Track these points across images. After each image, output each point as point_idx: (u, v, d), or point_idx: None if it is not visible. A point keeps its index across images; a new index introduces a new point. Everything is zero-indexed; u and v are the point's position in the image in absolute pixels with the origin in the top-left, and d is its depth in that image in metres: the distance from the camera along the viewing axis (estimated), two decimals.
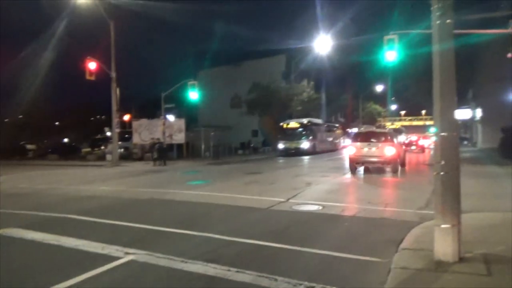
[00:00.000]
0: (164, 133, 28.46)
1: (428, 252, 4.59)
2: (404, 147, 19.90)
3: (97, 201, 10.02)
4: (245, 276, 4.31)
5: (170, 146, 30.29)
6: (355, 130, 49.40)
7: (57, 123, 44.02)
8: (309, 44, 34.25)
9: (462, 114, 40.11)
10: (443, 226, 4.36)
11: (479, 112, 35.85)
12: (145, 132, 29.38)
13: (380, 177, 15.02)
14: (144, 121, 30.41)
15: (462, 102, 40.82)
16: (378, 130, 18.20)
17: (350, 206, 8.34)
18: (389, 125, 65.54)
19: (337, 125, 44.52)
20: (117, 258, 5.01)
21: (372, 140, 15.54)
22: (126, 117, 33.92)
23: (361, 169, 16.74)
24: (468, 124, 47.30)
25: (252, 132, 43.42)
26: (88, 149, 38.92)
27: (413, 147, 32.97)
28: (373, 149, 15.15)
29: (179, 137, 29.37)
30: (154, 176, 16.93)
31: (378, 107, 66.92)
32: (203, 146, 31.59)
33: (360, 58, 47.91)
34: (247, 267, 4.57)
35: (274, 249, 5.36)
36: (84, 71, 22.00)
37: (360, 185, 12.81)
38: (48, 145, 40.21)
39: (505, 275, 4.01)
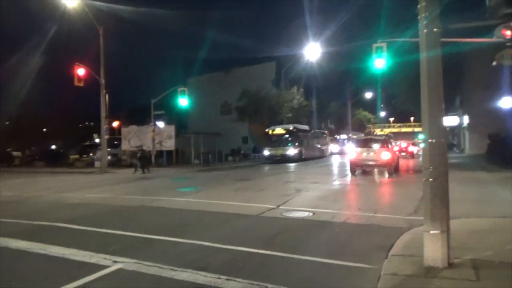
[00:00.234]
0: (153, 139, 28.30)
1: (418, 258, 4.61)
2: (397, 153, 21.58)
3: (85, 208, 9.88)
4: (236, 284, 4.28)
5: (160, 152, 30.13)
6: (343, 136, 49.93)
7: (44, 129, 43.39)
8: (299, 51, 34.66)
9: (450, 121, 40.70)
10: (432, 232, 4.38)
11: (466, 119, 36.39)
12: (135, 138, 29.19)
13: (370, 183, 15.17)
14: (133, 127, 30.21)
15: (449, 109, 41.45)
16: (376, 137, 21.34)
17: (340, 213, 8.36)
18: (378, 132, 66.36)
19: (324, 131, 44.33)
20: (105, 266, 4.93)
21: (370, 146, 17.43)
22: (115, 124, 33.67)
23: (351, 176, 17.10)
24: (456, 131, 47.97)
25: (242, 138, 43.44)
26: (76, 156, 38.45)
27: (403, 153, 33.32)
28: (371, 154, 17.01)
29: (169, 144, 29.21)
30: (144, 183, 16.78)
31: (367, 114, 67.61)
32: (193, 153, 31.45)
33: (350, 65, 48.50)
34: (238, 274, 4.53)
35: (265, 256, 5.33)
36: (72, 77, 21.82)
37: (350, 191, 12.87)
38: (35, 152, 39.63)
39: (493, 280, 4.05)
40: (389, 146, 17.79)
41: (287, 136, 31.79)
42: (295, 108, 37.84)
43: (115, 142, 30.98)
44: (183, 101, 27.32)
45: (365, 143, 18.03)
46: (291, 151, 30.98)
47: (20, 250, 5.85)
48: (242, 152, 38.67)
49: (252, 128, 41.05)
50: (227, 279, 4.39)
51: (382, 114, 79.52)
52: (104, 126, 24.51)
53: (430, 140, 4.53)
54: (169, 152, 30.82)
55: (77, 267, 4.97)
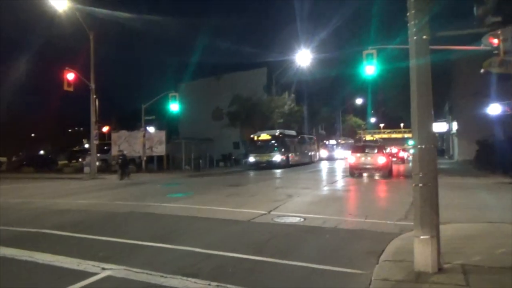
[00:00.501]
0: (144, 145, 28.12)
1: (408, 263, 4.62)
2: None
3: (73, 215, 9.74)
4: None
5: (151, 158, 29.94)
6: (332, 142, 50.09)
7: (33, 134, 42.88)
8: (291, 57, 34.83)
9: (439, 127, 41.18)
10: (422, 237, 4.41)
11: (455, 125, 36.86)
12: (125, 144, 28.95)
13: (360, 188, 15.27)
14: (123, 133, 29.99)
15: (439, 115, 41.98)
16: (372, 143, 23.72)
17: (331, 218, 8.36)
18: (368, 137, 67.02)
19: (312, 136, 43.76)
20: (94, 274, 4.85)
21: (368, 151, 19.57)
22: (105, 129, 33.40)
23: (341, 182, 17.24)
24: (445, 137, 48.52)
25: (234, 144, 43.33)
26: (65, 162, 38.05)
27: (394, 159, 33.72)
28: (369, 158, 19.10)
29: (160, 149, 29.05)
30: (134, 189, 16.63)
31: (358, 120, 68.17)
32: (184, 158, 31.29)
33: (340, 72, 48.94)
34: (228, 281, 4.50)
35: (255, 262, 5.30)
36: (62, 82, 21.63)
37: (341, 196, 12.90)
38: (23, 157, 39.09)
39: (483, 285, 4.07)
40: (384, 151, 19.95)
41: (273, 141, 30.97)
42: (286, 114, 37.96)
43: (105, 148, 30.70)
44: (174, 107, 27.23)
45: (363, 149, 20.23)
46: (277, 157, 30.15)
47: (6, 257, 5.73)
48: (233, 157, 38.61)
49: (243, 134, 40.99)
50: (217, 286, 4.35)
51: (373, 120, 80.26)
52: (93, 131, 24.29)
53: (419, 146, 4.58)
54: (159, 158, 30.64)
55: (64, 275, 4.88)
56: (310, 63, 35.17)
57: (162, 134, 29.49)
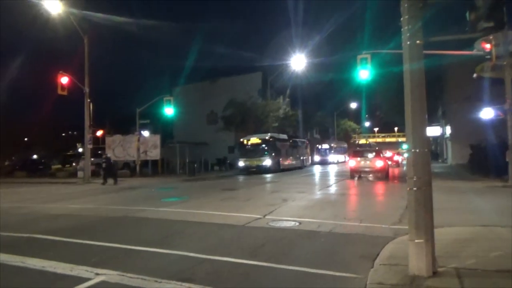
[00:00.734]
0: (138, 149, 28.01)
1: (403, 267, 4.63)
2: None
3: (66, 219, 9.66)
4: None
5: (145, 162, 29.80)
6: (325, 146, 49.94)
7: (26, 138, 42.55)
8: (285, 61, 34.94)
9: (433, 131, 41.47)
10: (417, 240, 4.42)
11: (448, 130, 37.12)
12: (119, 148, 28.84)
13: (355, 192, 15.32)
14: (118, 137, 29.86)
15: (432, 119, 42.27)
16: (370, 148, 25.97)
17: (326, 222, 8.36)
18: (361, 141, 67.47)
19: (304, 140, 42.87)
20: (87, 279, 4.80)
21: (367, 155, 21.29)
22: (99, 133, 33.21)
23: (336, 186, 17.28)
24: (438, 141, 48.85)
25: (229, 148, 43.32)
26: (59, 166, 37.74)
27: (389, 162, 33.94)
28: (368, 162, 20.77)
29: (154, 153, 28.95)
30: (128, 193, 16.54)
31: (352, 124, 68.46)
32: (178, 163, 31.19)
33: (335, 76, 49.26)
34: (223, 285, 4.48)
35: (251, 267, 5.28)
36: (56, 86, 21.51)
37: (335, 200, 12.91)
38: (16, 162, 38.75)
39: None
40: (381, 156, 21.79)
41: (263, 145, 30.25)
42: (281, 118, 38.02)
43: (99, 152, 30.52)
44: (169, 111, 27.19)
45: (362, 154, 21.91)
46: (267, 161, 29.42)
47: None
48: (228, 161, 38.56)
49: (238, 138, 40.95)
50: None
51: (367, 124, 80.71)
52: (88, 136, 24.15)
53: (413, 150, 4.60)
54: (154, 162, 30.53)
55: (57, 280, 4.84)
56: (305, 68, 35.31)
57: (157, 138, 29.40)
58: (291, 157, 34.96)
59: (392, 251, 5.58)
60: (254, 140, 30.92)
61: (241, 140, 31.79)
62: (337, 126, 61.87)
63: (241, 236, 7.39)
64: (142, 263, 5.54)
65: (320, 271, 4.98)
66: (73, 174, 28.08)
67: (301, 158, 38.15)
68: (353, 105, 65.60)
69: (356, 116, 71.93)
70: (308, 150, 42.85)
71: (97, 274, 4.98)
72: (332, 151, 50.35)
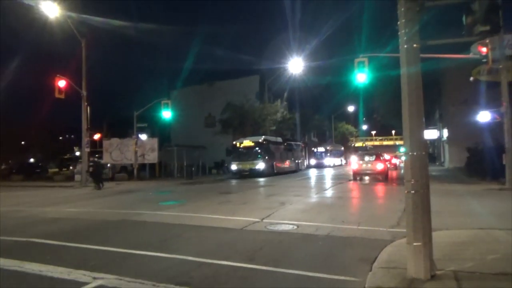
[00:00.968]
0: (136, 152, 27.96)
1: (401, 270, 4.64)
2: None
3: (63, 223, 9.61)
4: None
5: (143, 165, 29.75)
6: (321, 149, 49.68)
7: (23, 142, 42.38)
8: (283, 65, 35.05)
9: (430, 134, 41.59)
10: (415, 244, 4.42)
11: (445, 133, 37.25)
12: (116, 151, 28.78)
13: (353, 196, 15.33)
14: (115, 140, 29.81)
15: (429, 122, 42.42)
16: (371, 152, 27.62)
17: (324, 225, 8.36)
18: (357, 144, 67.63)
19: (299, 143, 42.01)
20: (85, 283, 4.78)
21: (368, 159, 22.86)
22: (97, 136, 33.14)
23: (333, 189, 17.29)
24: (436, 144, 48.99)
25: (226, 151, 43.33)
26: (56, 169, 37.63)
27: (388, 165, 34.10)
28: (369, 165, 22.26)
29: (152, 157, 28.90)
30: (126, 197, 16.49)
31: (350, 127, 68.61)
32: (176, 166, 31.13)
33: (332, 79, 49.44)
34: None
35: (249, 270, 5.27)
36: (53, 89, 21.48)
37: (333, 204, 12.90)
38: (13, 165, 38.60)
39: None
40: (381, 159, 23.27)
41: (256, 148, 29.31)
42: (279, 121, 38.07)
43: (96, 155, 30.43)
44: (166, 114, 27.18)
45: (364, 157, 23.62)
46: (261, 165, 28.60)
47: None
48: (226, 165, 38.51)
49: None
50: None
51: (365, 127, 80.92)
52: (85, 139, 24.10)
53: (411, 153, 4.61)
54: (151, 165, 30.48)
55: (55, 284, 4.81)
56: (303, 71, 35.40)
57: (154, 142, 29.37)
58: (285, 161, 34.25)
59: (390, 254, 5.58)
60: (247, 142, 30.11)
61: (234, 142, 31.05)
62: (334, 129, 61.96)
63: (239, 239, 7.38)
64: (140, 267, 5.52)
65: (318, 275, 4.98)
66: (70, 178, 27.99)
67: (296, 161, 37.33)
68: (351, 108, 65.88)
69: (353, 119, 72.18)
70: (304, 153, 42.25)
71: (94, 278, 4.96)
72: (328, 154, 49.84)
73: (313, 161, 47.17)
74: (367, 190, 17.71)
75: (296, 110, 46.54)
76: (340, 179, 24.84)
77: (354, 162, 23.67)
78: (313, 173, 34.59)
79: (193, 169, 30.27)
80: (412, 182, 4.51)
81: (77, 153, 32.91)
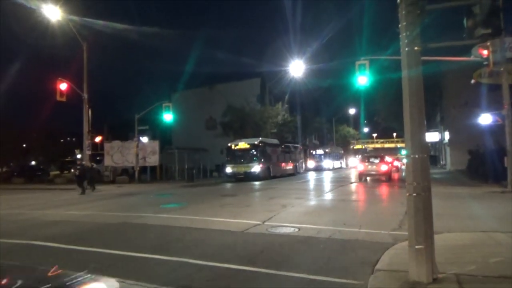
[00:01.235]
0: (137, 155, 27.97)
1: (403, 273, 4.62)
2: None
3: (64, 226, 9.61)
4: None
5: (144, 168, 29.75)
6: (320, 151, 49.14)
7: (24, 145, 42.42)
8: (284, 68, 35.06)
9: (431, 137, 41.51)
10: (417, 247, 4.41)
11: (447, 135, 37.19)
12: (118, 154, 28.80)
13: (354, 198, 15.31)
14: (116, 143, 29.82)
15: (431, 125, 42.34)
16: (376, 154, 29.46)
17: (325, 228, 8.34)
18: (357, 146, 67.60)
19: (298, 145, 40.94)
20: None
21: (373, 160, 24.47)
22: (98, 139, 33.19)
23: (334, 192, 17.27)
24: (437, 146, 48.91)
25: (221, 153, 43.26)
26: (57, 172, 37.63)
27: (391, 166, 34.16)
28: (374, 166, 23.70)
29: (153, 159, 28.90)
30: (127, 200, 16.49)
31: (351, 130, 68.58)
32: (177, 168, 31.12)
33: (334, 82, 49.44)
34: None
35: (250, 273, 5.25)
36: (54, 92, 21.52)
37: (334, 207, 12.89)
38: (14, 168, 38.62)
39: None
40: (385, 161, 24.80)
41: (252, 151, 28.41)
42: (280, 124, 38.06)
43: (98, 158, 30.47)
44: (167, 116, 27.19)
45: (369, 159, 25.27)
46: (256, 168, 27.64)
47: None
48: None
49: None
50: None
51: (366, 129, 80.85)
52: (86, 142, 24.12)
53: (412, 156, 4.61)
54: (152, 168, 30.48)
55: None
56: (304, 74, 35.36)
57: (156, 144, 29.37)
58: (283, 163, 33.39)
59: (392, 257, 5.56)
60: (243, 145, 29.19)
61: (229, 144, 30.20)
62: (335, 132, 61.92)
63: (241, 242, 7.37)
64: (141, 270, 5.51)
65: (319, 278, 4.97)
66: (71, 181, 27.94)
67: (294, 164, 36.47)
68: (352, 111, 65.83)
69: (355, 122, 72.16)
70: (302, 156, 41.38)
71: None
72: (328, 157, 48.91)
73: (312, 164, 46.24)
74: (369, 193, 17.70)
75: (297, 113, 46.50)
76: (340, 182, 24.82)
77: (360, 164, 25.31)
78: (311, 176, 33.92)
79: (194, 171, 30.24)
80: (414, 185, 4.50)
81: (78, 156, 32.88)
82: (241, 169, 28.03)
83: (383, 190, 18.76)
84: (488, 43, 13.14)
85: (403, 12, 4.72)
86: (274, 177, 29.41)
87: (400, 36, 4.80)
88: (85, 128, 24.15)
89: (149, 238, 7.90)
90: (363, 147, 68.32)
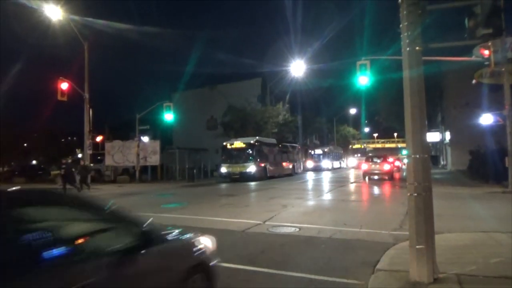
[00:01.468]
0: (138, 155, 27.98)
1: (404, 273, 4.62)
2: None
3: None
4: None
5: (144, 168, 29.75)
6: (318, 151, 48.58)
7: (25, 144, 42.47)
8: (285, 68, 35.06)
9: (432, 137, 41.48)
10: (417, 247, 4.41)
11: (448, 135, 37.17)
12: (119, 154, 28.80)
13: (354, 199, 15.30)
14: (117, 142, 29.83)
15: (432, 125, 42.30)
16: (379, 154, 30.46)
17: (326, 228, 8.34)
18: (356, 146, 67.49)
19: (296, 145, 39.81)
20: None
21: (376, 160, 25.58)
22: (99, 139, 33.20)
23: (334, 192, 17.24)
24: (438, 147, 48.89)
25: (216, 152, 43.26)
26: (58, 172, 37.64)
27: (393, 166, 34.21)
28: (377, 165, 24.74)
29: (154, 159, 28.89)
30: (128, 199, 16.49)
31: (351, 130, 68.54)
32: (178, 168, 31.12)
33: (334, 82, 49.39)
34: None
35: (250, 273, 5.26)
36: (55, 92, 21.54)
37: (335, 207, 12.88)
38: (15, 168, 38.67)
39: None
40: (388, 160, 25.90)
41: (248, 150, 27.63)
42: (281, 124, 38.03)
43: (99, 157, 30.50)
44: (168, 116, 27.20)
45: (372, 159, 26.28)
46: (252, 168, 26.79)
47: None
48: None
49: None
50: None
51: (367, 129, 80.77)
52: (87, 141, 24.16)
53: (413, 156, 4.60)
54: (153, 168, 30.48)
55: None
56: (305, 74, 35.36)
57: (156, 144, 29.36)
58: (280, 163, 32.58)
59: (392, 257, 5.56)
60: (238, 144, 28.43)
61: (224, 144, 29.36)
62: (336, 132, 61.85)
63: (241, 242, 7.37)
64: None
65: (320, 277, 4.97)
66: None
67: (292, 164, 35.54)
68: (353, 111, 65.77)
69: (355, 122, 72.10)
70: (300, 156, 40.80)
71: None
72: (326, 157, 47.92)
73: (310, 164, 45.32)
74: (369, 193, 17.69)
75: (298, 113, 46.42)
76: (339, 182, 24.78)
77: (364, 164, 26.50)
78: (310, 176, 33.13)
79: (194, 171, 30.24)
80: (415, 185, 4.50)
81: (79, 155, 32.91)
82: (236, 169, 27.28)
83: (384, 190, 18.75)
84: (489, 43, 13.12)
85: (404, 12, 4.72)
86: (271, 177, 28.69)
87: (401, 36, 4.80)
88: (86, 127, 24.18)
89: None
90: (362, 146, 68.20)
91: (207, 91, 45.50)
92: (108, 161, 29.14)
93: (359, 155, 60.34)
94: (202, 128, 45.67)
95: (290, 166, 34.99)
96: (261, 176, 27.43)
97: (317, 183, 25.30)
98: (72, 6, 21.59)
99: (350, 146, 65.22)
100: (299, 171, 38.37)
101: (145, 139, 30.92)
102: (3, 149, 34.07)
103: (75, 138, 49.93)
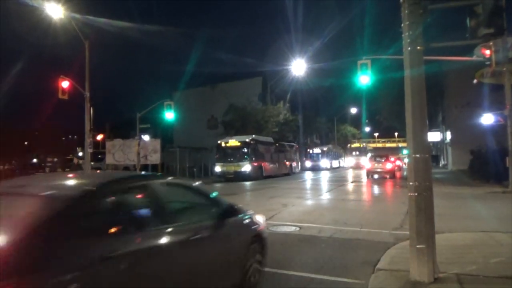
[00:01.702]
0: (139, 153, 27.98)
1: (404, 272, 4.62)
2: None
3: None
4: None
5: (145, 166, 29.76)
6: (317, 150, 48.21)
7: (26, 142, 42.55)
8: (286, 67, 35.01)
9: (433, 136, 41.43)
10: (418, 246, 4.41)
11: (448, 135, 37.13)
12: (119, 152, 28.78)
13: (354, 198, 15.30)
14: (118, 141, 29.81)
15: (432, 125, 42.25)
16: (381, 153, 32.42)
17: (326, 227, 8.34)
18: (355, 145, 67.50)
19: (293, 144, 39.04)
20: None
21: (379, 159, 27.05)
22: (100, 137, 33.21)
23: (334, 192, 17.24)
24: (439, 146, 48.85)
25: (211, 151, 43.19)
26: (59, 170, 37.67)
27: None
28: (380, 164, 26.32)
29: (154, 158, 28.86)
30: None
31: (352, 129, 68.52)
32: (178, 167, 31.13)
33: (335, 81, 49.31)
34: None
35: None
36: (56, 90, 21.54)
37: (335, 206, 12.89)
38: (16, 166, 38.71)
39: None
40: (390, 160, 27.04)
41: (243, 149, 26.97)
42: (281, 123, 38.01)
43: (99, 156, 30.51)
44: (169, 115, 27.17)
45: (375, 158, 27.77)
46: (247, 167, 26.13)
47: None
48: None
49: None
50: None
51: (367, 129, 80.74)
52: (88, 140, 24.14)
53: (414, 155, 4.60)
54: (154, 166, 30.47)
55: None
56: (305, 73, 35.28)
57: (157, 143, 29.33)
58: (276, 163, 31.81)
59: (393, 257, 5.56)
60: (233, 142, 27.84)
61: (219, 142, 28.84)
62: (337, 131, 61.80)
63: None
64: None
65: (321, 277, 4.98)
66: None
67: (289, 163, 34.85)
68: (353, 110, 65.75)
69: (356, 121, 72.06)
70: (298, 155, 40.23)
71: None
72: (325, 156, 47.24)
73: (308, 164, 44.81)
74: (370, 192, 17.69)
75: (298, 112, 46.36)
76: (339, 181, 24.73)
77: (368, 163, 28.10)
78: (308, 176, 32.74)
79: (195, 170, 30.22)
80: (416, 185, 4.50)
81: (80, 154, 32.95)
82: (231, 168, 26.65)
83: (384, 189, 18.75)
84: (491, 43, 13.10)
85: (406, 11, 4.71)
86: (267, 177, 28.07)
87: (403, 35, 4.79)
88: (87, 126, 24.16)
89: None
90: (362, 145, 68.07)
91: (208, 90, 45.49)
92: (109, 159, 29.12)
93: (357, 153, 59.46)
94: (202, 127, 45.67)
95: (288, 166, 34.38)
96: (257, 175, 26.82)
97: (316, 182, 25.24)
98: (73, 4, 21.56)
99: (349, 145, 64.92)
100: (297, 170, 37.85)
101: (146, 137, 30.92)
102: (4, 147, 34.13)
103: (75, 136, 50.02)
